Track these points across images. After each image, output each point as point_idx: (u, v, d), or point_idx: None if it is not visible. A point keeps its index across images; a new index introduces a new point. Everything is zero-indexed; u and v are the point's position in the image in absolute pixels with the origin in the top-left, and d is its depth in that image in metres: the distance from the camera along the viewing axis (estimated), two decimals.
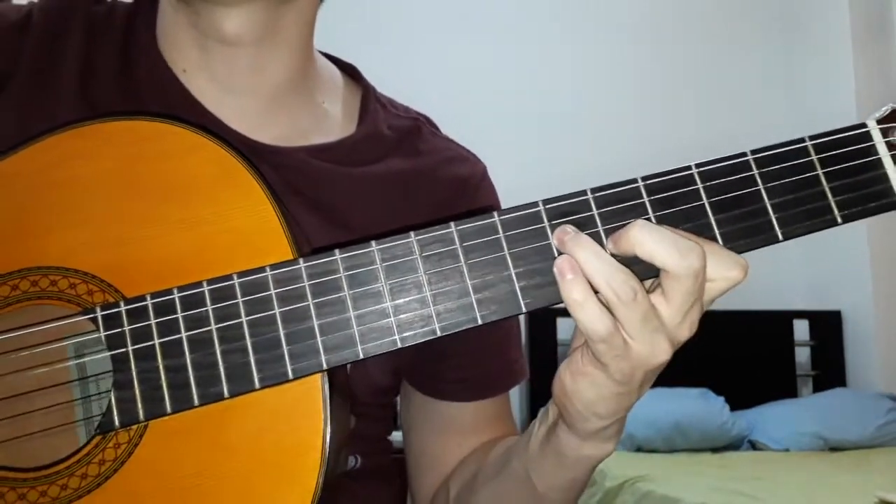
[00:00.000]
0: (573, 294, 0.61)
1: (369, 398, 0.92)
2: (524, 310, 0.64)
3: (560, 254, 0.63)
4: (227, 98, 0.88)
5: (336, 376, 0.69)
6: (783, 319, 4.48)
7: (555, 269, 0.62)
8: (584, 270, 0.62)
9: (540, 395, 4.05)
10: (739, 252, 0.64)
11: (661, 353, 0.63)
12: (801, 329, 4.54)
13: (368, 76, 1.02)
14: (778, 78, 4.73)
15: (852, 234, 4.36)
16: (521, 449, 0.81)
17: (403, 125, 0.98)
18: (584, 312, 0.62)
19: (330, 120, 0.95)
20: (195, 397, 0.65)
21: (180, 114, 0.80)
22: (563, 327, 4.15)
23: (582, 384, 0.66)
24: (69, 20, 0.89)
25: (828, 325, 4.55)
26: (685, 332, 0.64)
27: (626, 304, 0.61)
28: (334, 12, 0.93)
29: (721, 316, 4.36)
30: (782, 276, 4.52)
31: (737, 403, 4.00)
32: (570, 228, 0.63)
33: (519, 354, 1.02)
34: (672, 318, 0.63)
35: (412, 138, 0.97)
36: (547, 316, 4.12)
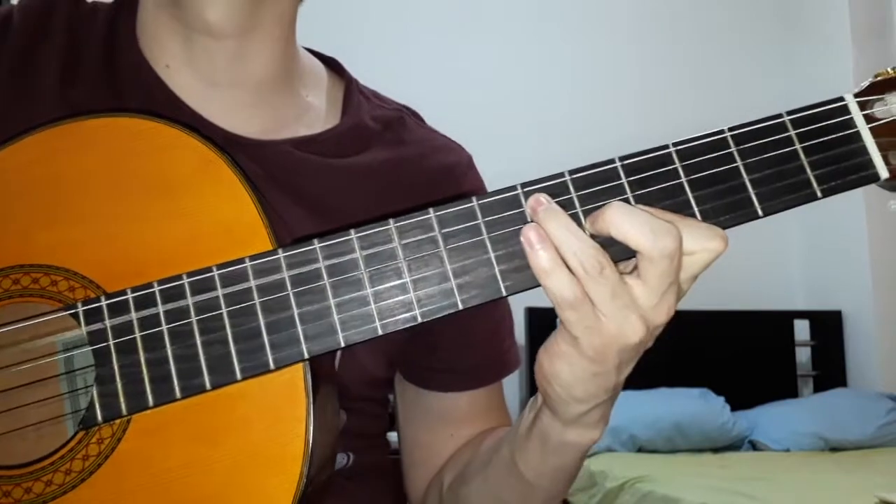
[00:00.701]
0: (541, 262, 0.62)
1: (362, 390, 0.92)
2: (504, 293, 0.64)
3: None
4: (211, 92, 0.88)
5: (321, 367, 0.69)
6: (783, 319, 4.48)
7: (522, 238, 0.62)
8: (553, 241, 0.62)
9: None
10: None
11: (633, 333, 0.63)
12: (802, 329, 4.54)
13: (363, 76, 1.02)
14: (778, 77, 4.73)
15: (852, 234, 4.36)
16: (510, 436, 0.81)
17: (388, 116, 0.98)
18: (551, 279, 0.62)
19: (314, 112, 0.95)
20: (177, 390, 0.65)
21: (161, 110, 0.80)
22: None
23: (557, 364, 0.66)
24: (50, 21, 0.89)
25: (828, 325, 4.55)
26: (662, 314, 0.63)
27: (593, 279, 0.61)
28: (329, 11, 0.93)
29: (721, 316, 4.38)
30: (782, 276, 4.53)
31: (737, 403, 3.99)
32: (543, 198, 0.63)
33: (511, 343, 1.02)
34: (647, 299, 0.62)
35: (397, 129, 0.97)
36: (547, 316, 4.11)
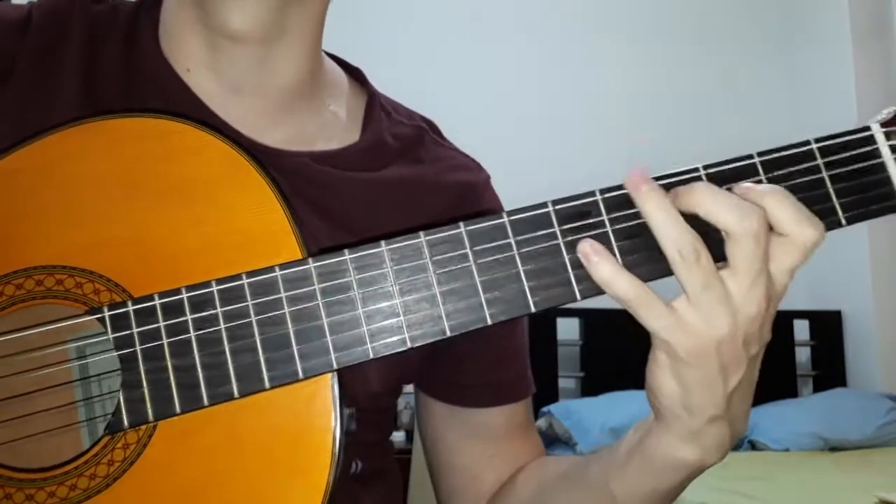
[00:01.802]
0: (602, 274, 0.62)
1: (366, 402, 0.90)
2: (533, 309, 0.64)
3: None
4: (233, 99, 0.87)
5: (341, 379, 0.69)
6: (783, 319, 4.47)
7: (579, 253, 0.63)
8: (653, 224, 0.62)
9: (540, 395, 4.03)
10: None
11: (720, 326, 0.62)
12: (801, 329, 4.54)
13: (371, 78, 1.01)
14: (778, 78, 4.73)
15: (852, 234, 4.34)
16: (603, 456, 0.79)
17: (407, 134, 0.97)
18: (613, 287, 0.62)
19: (334, 125, 0.93)
20: (205, 397, 0.64)
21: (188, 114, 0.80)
22: (563, 327, 4.15)
23: (659, 376, 0.66)
24: (70, 20, 0.88)
25: (828, 325, 4.55)
26: (752, 305, 0.62)
27: (688, 266, 0.61)
28: (334, 12, 0.93)
29: None
30: None
31: None
32: (650, 179, 0.64)
33: (528, 365, 1.01)
34: (738, 288, 0.62)
35: (415, 147, 0.97)
36: (547, 316, 4.11)
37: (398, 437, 3.17)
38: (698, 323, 0.62)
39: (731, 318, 0.62)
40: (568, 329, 4.15)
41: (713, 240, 0.62)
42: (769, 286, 0.63)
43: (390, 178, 0.92)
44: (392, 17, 4.31)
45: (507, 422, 0.97)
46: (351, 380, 0.84)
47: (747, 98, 4.59)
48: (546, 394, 4.05)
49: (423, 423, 1.02)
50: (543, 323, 4.09)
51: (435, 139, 1.00)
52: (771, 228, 0.63)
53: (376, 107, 0.97)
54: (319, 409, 0.65)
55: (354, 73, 1.01)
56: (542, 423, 3.80)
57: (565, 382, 4.23)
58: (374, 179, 0.91)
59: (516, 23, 4.56)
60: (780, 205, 0.62)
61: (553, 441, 3.77)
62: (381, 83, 1.02)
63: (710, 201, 0.62)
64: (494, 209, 0.99)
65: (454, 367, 0.95)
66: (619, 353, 4.35)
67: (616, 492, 0.76)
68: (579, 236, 0.64)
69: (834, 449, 3.75)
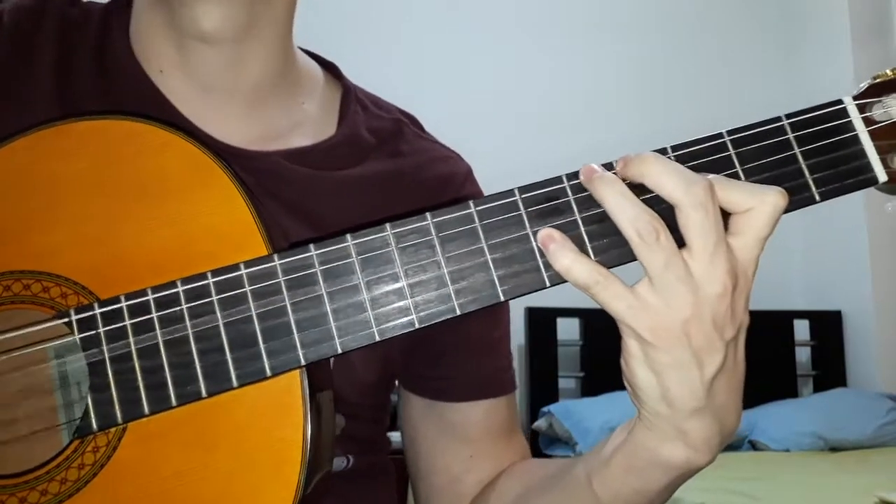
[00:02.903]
0: (563, 261, 0.62)
1: (356, 396, 0.90)
2: (502, 298, 0.63)
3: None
4: (205, 99, 0.87)
5: (319, 372, 0.68)
6: (783, 319, 4.46)
7: (540, 243, 0.63)
8: (608, 208, 0.62)
9: (540, 395, 4.04)
10: None
11: (682, 305, 0.61)
12: (802, 329, 4.53)
13: (357, 76, 1.01)
14: (778, 77, 4.72)
15: (852, 235, 4.36)
16: (588, 456, 0.78)
17: (384, 127, 0.97)
18: (572, 273, 0.62)
19: (308, 121, 0.93)
20: (173, 397, 0.64)
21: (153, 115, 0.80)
22: (562, 327, 4.13)
23: (632, 365, 0.64)
24: (41, 22, 0.88)
25: (828, 325, 4.54)
26: (716, 284, 0.61)
27: (648, 246, 0.60)
28: (322, 10, 0.93)
29: None
30: (782, 276, 4.52)
31: None
32: (597, 167, 0.63)
33: (511, 363, 1.00)
34: (696, 265, 0.61)
35: (393, 140, 0.96)
36: (547, 316, 4.11)
37: (398, 436, 3.10)
38: (659, 303, 0.61)
39: (693, 295, 0.61)
40: (568, 329, 4.14)
41: (674, 227, 0.61)
42: (733, 262, 0.62)
43: (367, 175, 0.92)
44: (392, 16, 4.31)
45: (487, 420, 0.96)
46: (336, 372, 0.84)
47: (747, 98, 4.58)
48: (546, 394, 4.04)
49: (404, 421, 1.01)
50: (543, 323, 4.09)
51: (415, 131, 1.00)
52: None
53: (352, 101, 0.96)
54: (289, 406, 0.64)
55: (330, 68, 1.01)
56: (542, 423, 3.79)
57: (565, 382, 4.22)
58: (349, 177, 0.91)
59: (516, 23, 4.56)
60: (732, 186, 0.62)
61: (553, 441, 3.76)
62: (381, 83, 1.01)
63: (656, 171, 0.61)
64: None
65: (435, 361, 0.94)
66: (620, 353, 4.38)
67: (599, 492, 0.74)
68: (547, 222, 0.64)
69: (834, 449, 3.74)
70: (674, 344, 0.62)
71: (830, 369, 4.50)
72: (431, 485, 0.98)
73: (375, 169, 0.93)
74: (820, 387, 4.46)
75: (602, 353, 4.14)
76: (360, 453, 0.93)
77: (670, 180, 0.60)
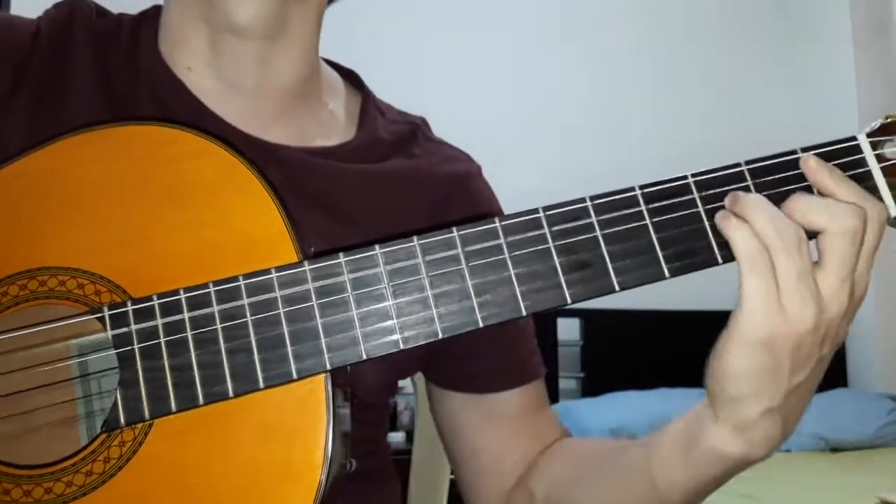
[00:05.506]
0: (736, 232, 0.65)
1: (363, 399, 0.91)
2: (524, 313, 0.65)
3: None
4: (233, 96, 0.89)
5: (337, 378, 0.70)
6: None
7: (717, 220, 0.66)
8: (754, 224, 0.64)
9: None
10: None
11: (808, 319, 0.63)
12: None
13: (367, 79, 1.03)
14: (778, 78, 4.71)
15: None
16: (644, 443, 0.79)
17: (401, 130, 1.00)
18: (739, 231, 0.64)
19: (332, 123, 0.96)
20: (200, 396, 0.66)
21: (181, 114, 0.83)
22: (563, 327, 4.13)
23: (732, 354, 0.66)
24: (75, 34, 0.90)
25: None
26: (835, 304, 0.64)
27: (788, 253, 0.63)
28: (326, 15, 0.95)
29: (721, 316, 4.33)
30: None
31: None
32: (740, 194, 0.66)
33: (536, 345, 1.03)
34: (827, 285, 0.64)
35: (409, 143, 0.99)
36: (547, 316, 4.11)
37: (398, 437, 3.20)
38: (794, 311, 0.63)
39: (816, 313, 0.64)
40: (568, 329, 4.14)
41: None
42: (853, 288, 0.66)
43: (387, 170, 0.95)
44: (391, 17, 4.30)
45: (524, 401, 0.99)
46: (348, 375, 0.86)
47: (747, 98, 4.57)
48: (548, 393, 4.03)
49: (440, 416, 1.03)
50: (543, 323, 4.09)
51: (427, 135, 1.03)
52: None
53: (371, 107, 1.00)
54: (313, 409, 0.66)
55: (349, 76, 1.04)
56: None
57: (566, 383, 4.22)
58: (371, 170, 0.94)
59: (516, 21, 4.55)
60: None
61: None
62: (381, 83, 1.04)
63: (803, 208, 0.64)
64: (487, 197, 1.02)
65: (465, 359, 0.96)
66: (620, 353, 4.38)
67: (657, 477, 0.76)
68: (568, 240, 0.66)
69: (834, 449, 3.74)
70: (779, 351, 0.65)
71: (830, 369, 4.46)
72: (476, 468, 1.00)
73: (393, 166, 0.96)
74: (820, 387, 4.42)
75: (602, 354, 4.19)
76: (362, 456, 0.95)
77: (817, 211, 0.64)
